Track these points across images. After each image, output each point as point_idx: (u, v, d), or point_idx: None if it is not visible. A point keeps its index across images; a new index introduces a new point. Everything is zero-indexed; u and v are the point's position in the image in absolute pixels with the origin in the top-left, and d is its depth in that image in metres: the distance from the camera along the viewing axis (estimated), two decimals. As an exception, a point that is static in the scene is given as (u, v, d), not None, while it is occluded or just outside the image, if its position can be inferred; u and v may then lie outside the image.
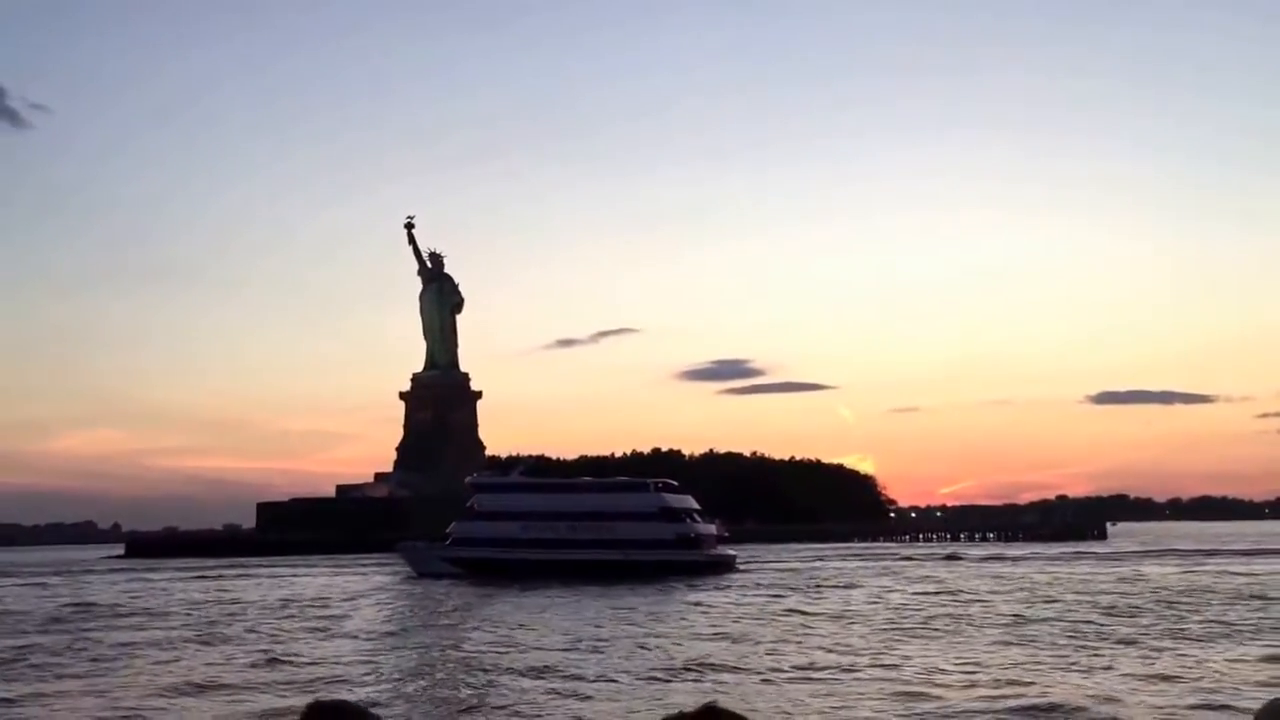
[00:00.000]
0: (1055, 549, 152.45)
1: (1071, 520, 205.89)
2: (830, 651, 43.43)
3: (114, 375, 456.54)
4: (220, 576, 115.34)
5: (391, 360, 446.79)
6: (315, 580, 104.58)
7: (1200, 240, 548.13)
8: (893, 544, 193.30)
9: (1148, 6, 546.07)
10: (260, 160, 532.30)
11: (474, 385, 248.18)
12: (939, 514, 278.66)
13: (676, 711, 4.47)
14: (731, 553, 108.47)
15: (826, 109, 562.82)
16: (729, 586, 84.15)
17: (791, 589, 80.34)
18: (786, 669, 38.89)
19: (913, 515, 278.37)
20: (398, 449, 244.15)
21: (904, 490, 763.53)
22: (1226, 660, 39.29)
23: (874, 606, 64.18)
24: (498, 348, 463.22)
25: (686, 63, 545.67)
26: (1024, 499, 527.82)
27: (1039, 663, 39.49)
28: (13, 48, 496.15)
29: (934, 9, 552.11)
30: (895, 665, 39.43)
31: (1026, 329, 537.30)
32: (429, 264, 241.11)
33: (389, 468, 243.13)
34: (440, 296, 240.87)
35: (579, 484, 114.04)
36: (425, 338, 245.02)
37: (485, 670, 40.46)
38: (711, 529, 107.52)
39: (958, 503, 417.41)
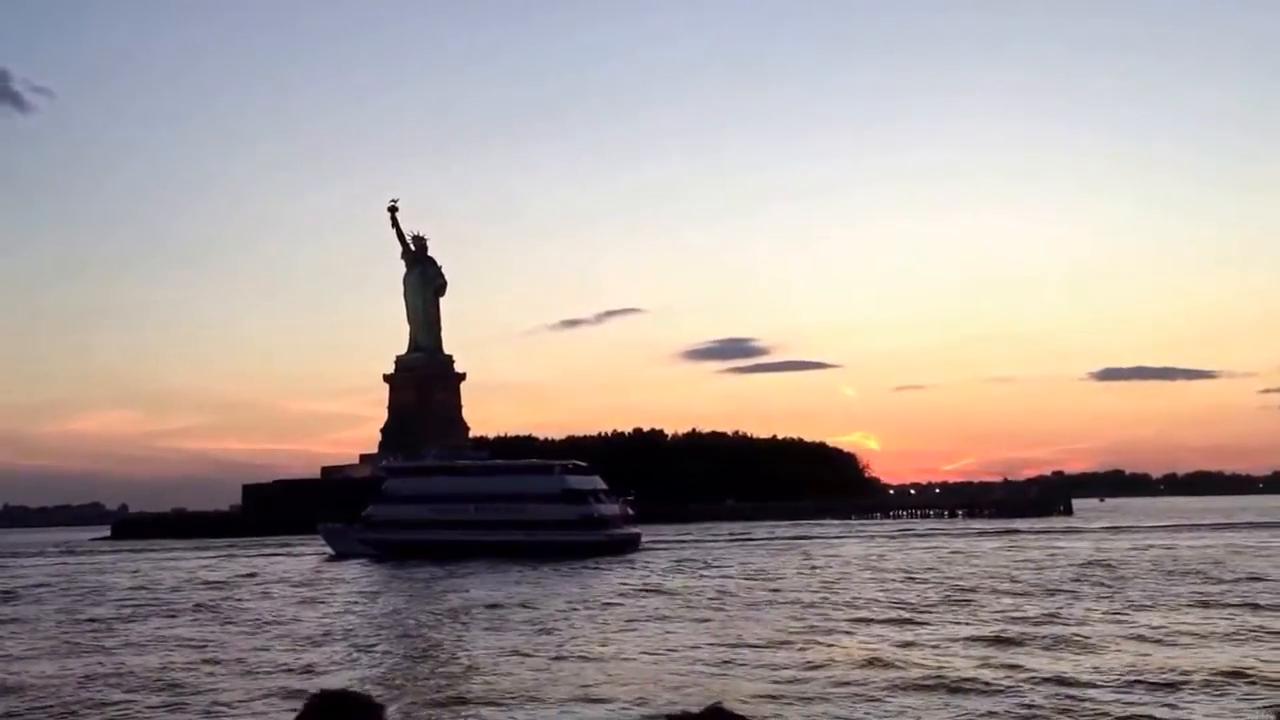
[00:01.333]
0: (1006, 524, 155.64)
1: (1036, 497, 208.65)
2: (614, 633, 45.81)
3: (121, 355, 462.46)
4: (177, 558, 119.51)
5: (398, 342, 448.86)
6: (261, 561, 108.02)
7: (1203, 215, 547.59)
8: (866, 520, 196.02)
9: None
10: (261, 141, 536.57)
11: (460, 367, 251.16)
12: (913, 491, 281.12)
13: (680, 711, 4.48)
14: (636, 532, 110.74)
15: (830, 82, 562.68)
16: (617, 567, 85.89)
17: (679, 567, 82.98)
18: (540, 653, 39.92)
19: (891, 492, 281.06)
20: (382, 431, 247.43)
21: (907, 467, 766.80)
22: (951, 638, 40.52)
23: (722, 584, 67.14)
24: (501, 328, 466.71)
25: (689, 36, 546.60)
26: (1025, 474, 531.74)
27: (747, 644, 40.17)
28: (16, 31, 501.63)
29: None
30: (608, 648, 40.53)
31: (1029, 306, 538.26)
32: (412, 247, 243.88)
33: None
34: (423, 279, 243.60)
35: (487, 466, 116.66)
36: (409, 321, 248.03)
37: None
38: (615, 509, 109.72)
39: (958, 479, 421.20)
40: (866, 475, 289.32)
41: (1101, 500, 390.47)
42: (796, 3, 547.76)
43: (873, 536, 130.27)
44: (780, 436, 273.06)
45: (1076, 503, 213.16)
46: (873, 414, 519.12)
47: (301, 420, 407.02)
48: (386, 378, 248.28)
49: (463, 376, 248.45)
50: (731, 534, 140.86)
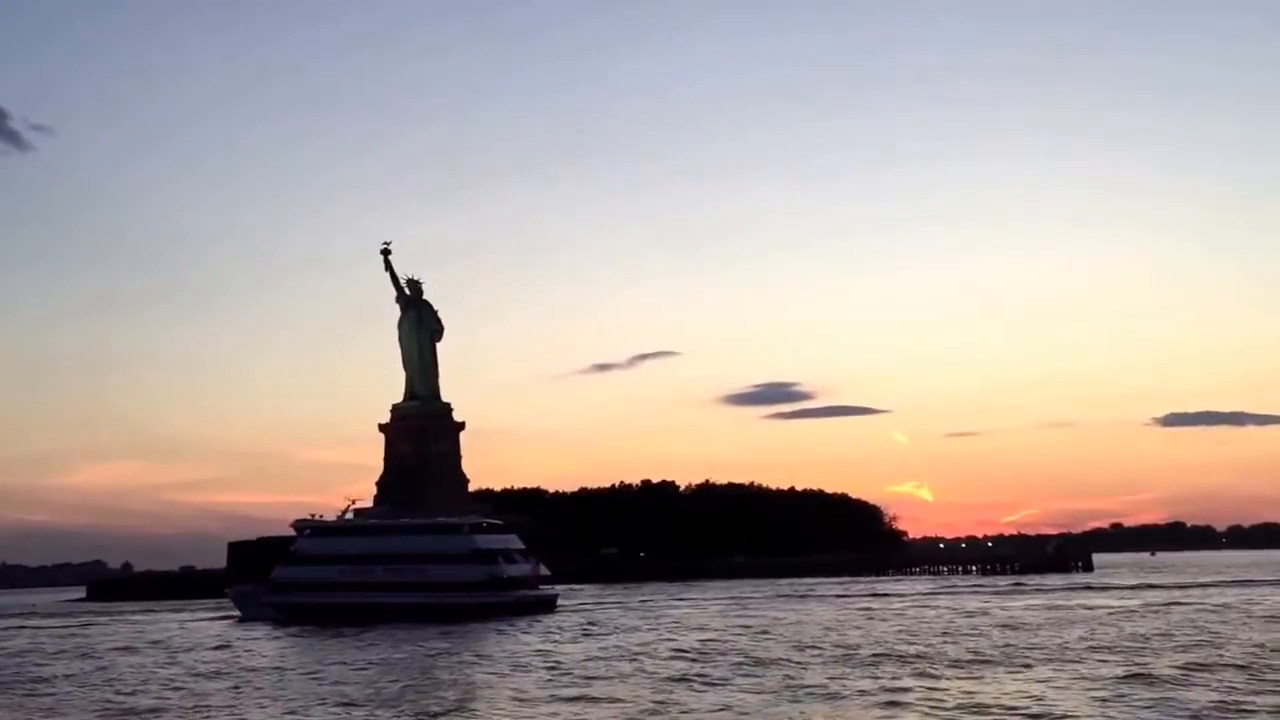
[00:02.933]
0: (1017, 582, 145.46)
1: (1054, 554, 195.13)
2: None
3: (124, 403, 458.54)
4: (123, 621, 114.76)
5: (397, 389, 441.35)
6: (198, 625, 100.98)
7: (1271, 256, 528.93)
8: (873, 578, 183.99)
9: (1208, 19, 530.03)
10: (265, 181, 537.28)
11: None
12: (942, 545, 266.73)
13: None
14: (552, 593, 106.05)
15: (877, 122, 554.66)
16: (511, 631, 79.92)
17: (580, 633, 75.53)
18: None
19: (910, 547, 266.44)
20: (377, 483, 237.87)
21: (965, 519, 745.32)
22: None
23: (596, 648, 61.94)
24: (528, 373, 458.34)
25: (727, 79, 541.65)
26: (1090, 526, 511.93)
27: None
28: (14, 71, 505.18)
29: (985, 26, 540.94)
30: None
31: (1090, 349, 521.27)
32: (407, 291, 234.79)
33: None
34: (419, 324, 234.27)
35: (395, 526, 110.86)
36: (405, 367, 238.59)
37: None
38: (526, 570, 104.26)
39: (1013, 532, 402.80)
40: (891, 528, 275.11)
41: (1152, 554, 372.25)
42: (837, 45, 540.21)
43: (850, 596, 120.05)
44: (800, 488, 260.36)
45: (1131, 557, 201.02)
46: (926, 462, 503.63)
47: (315, 470, 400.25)
48: (382, 427, 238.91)
49: (462, 425, 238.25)
50: (666, 596, 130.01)
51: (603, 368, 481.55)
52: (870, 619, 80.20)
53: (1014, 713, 36.59)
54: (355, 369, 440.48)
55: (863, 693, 42.49)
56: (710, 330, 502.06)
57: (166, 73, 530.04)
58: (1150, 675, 44.60)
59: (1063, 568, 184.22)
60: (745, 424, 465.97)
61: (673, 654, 58.38)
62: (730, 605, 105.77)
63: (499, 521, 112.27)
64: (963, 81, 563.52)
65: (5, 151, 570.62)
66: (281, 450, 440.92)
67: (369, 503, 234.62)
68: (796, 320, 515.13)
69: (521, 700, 43.11)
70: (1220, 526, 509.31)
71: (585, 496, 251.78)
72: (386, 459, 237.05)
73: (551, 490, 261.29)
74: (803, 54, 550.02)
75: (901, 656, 54.02)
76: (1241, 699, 38.43)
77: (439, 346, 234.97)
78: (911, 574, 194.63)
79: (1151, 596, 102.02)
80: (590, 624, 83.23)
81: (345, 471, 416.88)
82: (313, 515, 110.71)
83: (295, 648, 72.05)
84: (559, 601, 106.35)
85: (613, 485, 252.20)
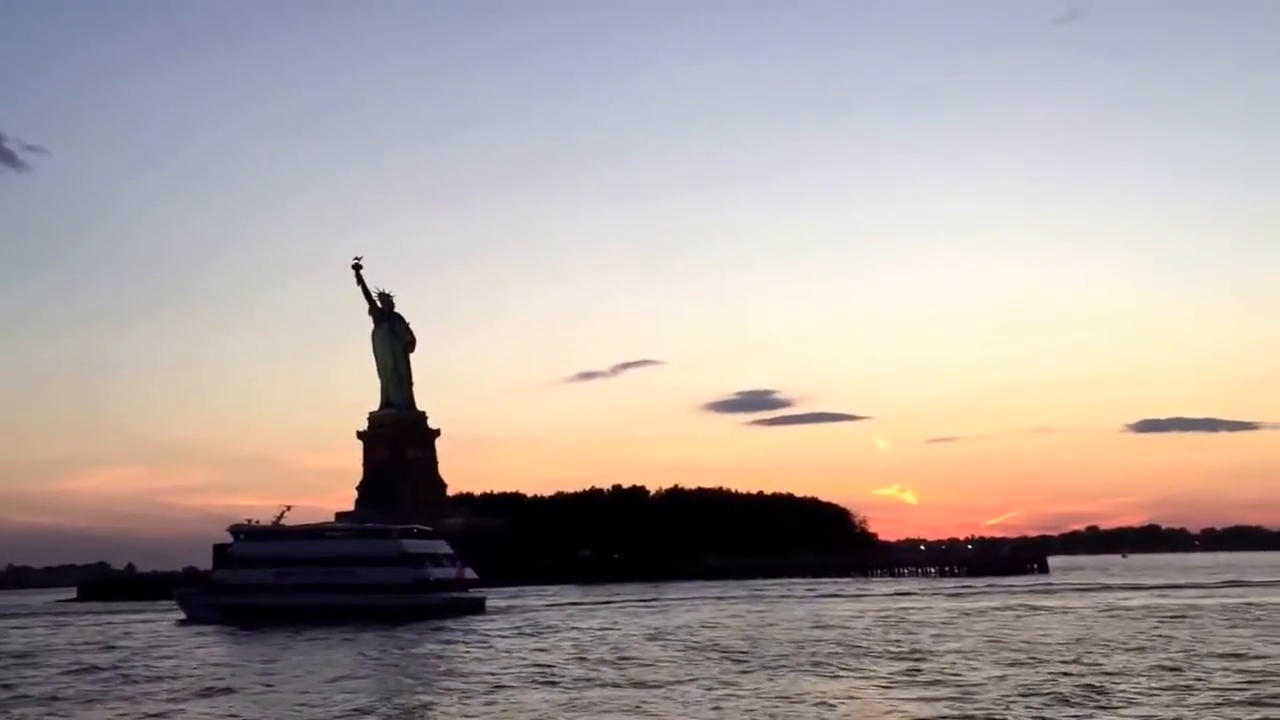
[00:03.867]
0: (965, 584, 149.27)
1: (1008, 556, 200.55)
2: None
3: (124, 410, 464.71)
4: (97, 621, 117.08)
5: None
6: (163, 626, 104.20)
7: (1244, 261, 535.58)
8: (835, 579, 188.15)
9: (1174, 38, 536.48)
10: (266, 196, 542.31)
11: (447, 422, 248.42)
12: (922, 547, 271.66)
13: None
14: (480, 596, 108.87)
15: (855, 134, 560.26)
16: (427, 631, 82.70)
17: (486, 636, 78.15)
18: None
19: (889, 547, 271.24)
20: (357, 488, 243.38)
21: (950, 521, 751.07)
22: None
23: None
24: (515, 381, 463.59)
25: (706, 89, 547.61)
26: (1070, 529, 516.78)
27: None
28: (8, 91, 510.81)
29: (971, 36, 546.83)
30: None
31: (1067, 355, 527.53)
32: (379, 304, 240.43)
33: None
34: (391, 335, 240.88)
35: (327, 530, 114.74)
36: (380, 376, 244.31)
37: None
38: (452, 573, 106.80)
39: (1000, 534, 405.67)
40: (863, 530, 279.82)
41: (1124, 557, 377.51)
42: (817, 56, 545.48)
43: (795, 597, 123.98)
44: (769, 491, 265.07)
45: (1101, 559, 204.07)
46: (908, 467, 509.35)
47: (314, 475, 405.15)
48: (360, 434, 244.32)
49: (437, 432, 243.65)
50: (589, 598, 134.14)
51: (587, 376, 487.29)
52: (771, 622, 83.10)
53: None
54: (349, 376, 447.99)
55: (661, 685, 46.30)
56: (692, 339, 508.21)
57: (158, 92, 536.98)
58: (916, 672, 48.04)
59: (1018, 569, 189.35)
60: (727, 431, 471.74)
61: (555, 656, 61.35)
62: (666, 606, 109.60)
63: (427, 528, 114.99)
64: (941, 97, 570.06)
65: (1, 171, 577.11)
66: (279, 455, 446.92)
67: (350, 507, 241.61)
68: (777, 329, 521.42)
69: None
70: (1194, 529, 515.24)
71: (563, 500, 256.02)
72: (365, 465, 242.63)
73: (531, 494, 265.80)
74: (779, 69, 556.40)
75: (737, 655, 57.64)
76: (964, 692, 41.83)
77: (412, 356, 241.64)
78: (874, 575, 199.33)
79: (1073, 599, 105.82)
80: (503, 629, 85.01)
81: (341, 476, 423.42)
82: (249, 521, 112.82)
83: (196, 643, 76.27)
84: (488, 604, 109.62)
85: (585, 490, 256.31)
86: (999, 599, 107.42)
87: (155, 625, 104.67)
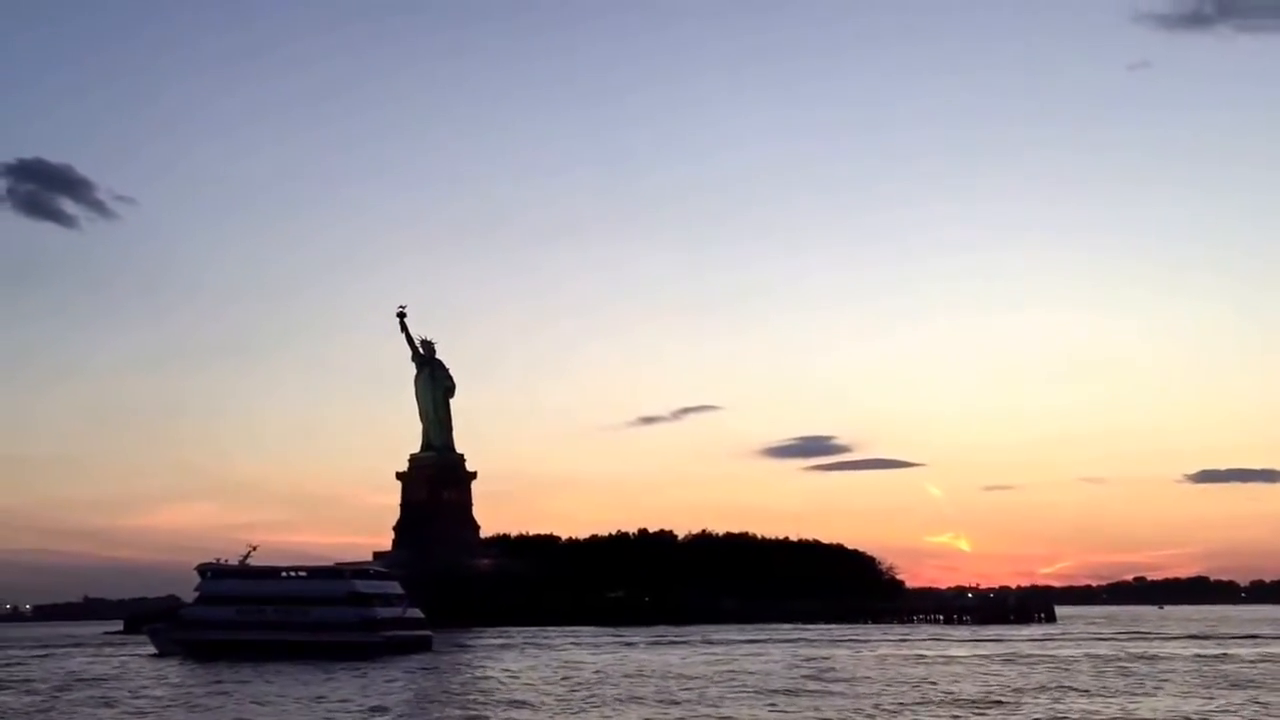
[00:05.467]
0: (975, 633, 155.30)
1: (1015, 605, 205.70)
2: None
3: (197, 448, 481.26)
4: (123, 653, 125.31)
5: (468, 436, 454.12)
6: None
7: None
8: (836, 625, 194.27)
9: (1244, 84, 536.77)
10: (338, 243, 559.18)
11: (470, 466, 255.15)
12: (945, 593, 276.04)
13: None
14: (425, 634, 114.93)
15: (917, 180, 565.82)
16: (357, 671, 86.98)
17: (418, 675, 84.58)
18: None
19: (912, 594, 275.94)
20: (394, 528, 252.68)
21: (1004, 570, 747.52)
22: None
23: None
24: (576, 425, 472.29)
25: (763, 137, 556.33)
26: (1128, 578, 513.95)
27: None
28: (100, 142, 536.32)
29: (1029, 81, 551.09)
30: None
31: (1123, 405, 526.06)
32: (421, 351, 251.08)
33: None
34: (432, 381, 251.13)
35: (283, 571, 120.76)
36: (421, 420, 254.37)
37: None
38: (398, 613, 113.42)
39: (1059, 583, 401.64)
40: (890, 577, 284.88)
41: (1160, 609, 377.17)
42: (877, 106, 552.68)
43: (777, 641, 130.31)
44: (794, 538, 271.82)
45: (1140, 609, 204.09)
46: (963, 514, 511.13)
47: (374, 513, 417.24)
48: (400, 475, 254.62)
49: (474, 475, 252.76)
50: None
51: (648, 420, 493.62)
52: (715, 666, 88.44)
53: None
54: (411, 416, 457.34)
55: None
56: (751, 385, 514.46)
57: (240, 142, 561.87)
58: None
59: (1025, 618, 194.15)
60: (784, 476, 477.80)
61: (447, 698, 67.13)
62: (632, 647, 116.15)
63: (384, 569, 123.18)
64: (999, 141, 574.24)
65: (92, 219, 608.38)
66: (341, 493, 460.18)
67: (388, 546, 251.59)
68: (835, 375, 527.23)
69: None
70: (1243, 581, 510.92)
71: (593, 544, 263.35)
72: (403, 505, 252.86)
73: (565, 537, 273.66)
74: (839, 116, 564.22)
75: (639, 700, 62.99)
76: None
77: (453, 401, 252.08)
78: (884, 622, 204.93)
79: (1049, 647, 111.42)
80: (433, 667, 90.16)
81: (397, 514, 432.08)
82: (217, 560, 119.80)
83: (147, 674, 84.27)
84: (434, 643, 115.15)
85: (613, 534, 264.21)
86: (938, 647, 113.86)
87: (129, 660, 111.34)
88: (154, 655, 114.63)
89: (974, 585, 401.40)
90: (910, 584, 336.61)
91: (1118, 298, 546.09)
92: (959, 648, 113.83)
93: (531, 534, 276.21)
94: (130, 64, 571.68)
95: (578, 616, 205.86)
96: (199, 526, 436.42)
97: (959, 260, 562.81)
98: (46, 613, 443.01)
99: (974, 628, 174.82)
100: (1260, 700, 59.09)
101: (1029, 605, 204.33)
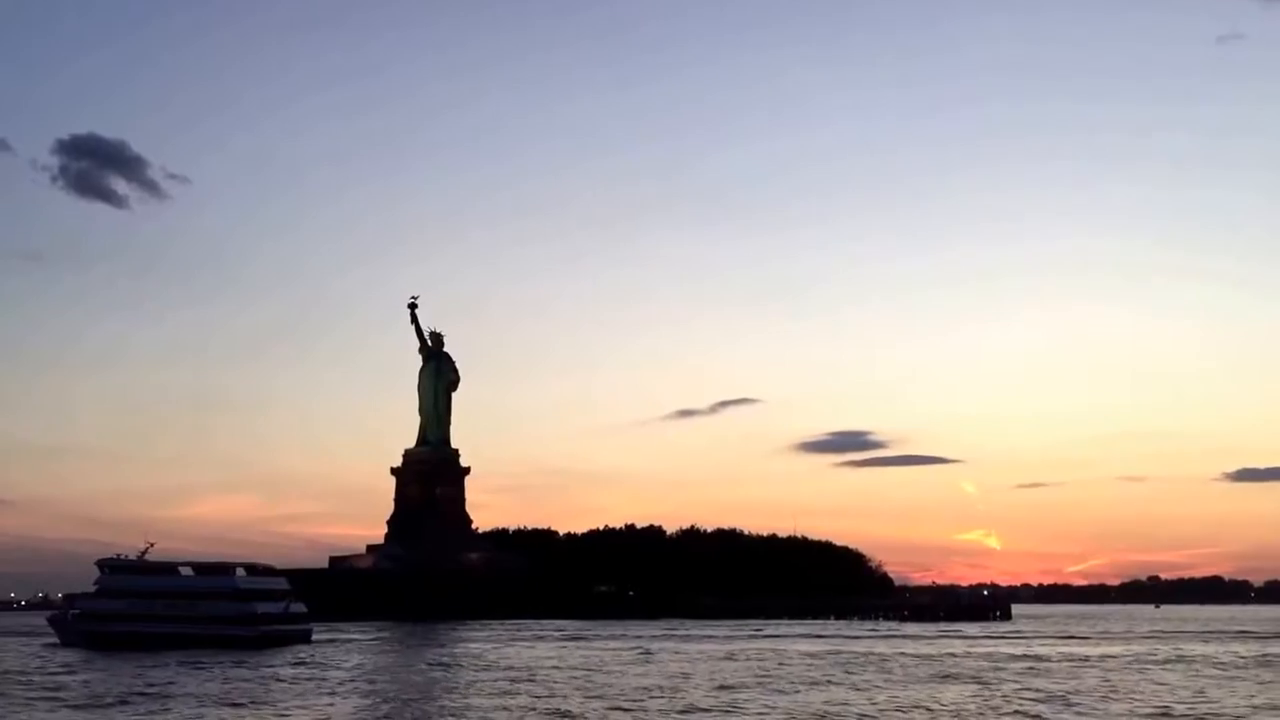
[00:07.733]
0: (922, 629, 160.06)
1: (967, 603, 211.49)
2: None
3: (239, 440, 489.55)
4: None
5: (508, 428, 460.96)
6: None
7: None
8: (818, 621, 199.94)
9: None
10: (374, 233, 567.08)
11: (464, 461, 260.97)
12: (908, 594, 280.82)
13: None
14: (305, 628, 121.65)
15: (952, 176, 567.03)
16: (238, 664, 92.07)
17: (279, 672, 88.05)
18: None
19: (906, 593, 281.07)
20: (388, 522, 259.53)
21: (1032, 568, 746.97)
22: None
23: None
24: (613, 418, 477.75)
25: (808, 130, 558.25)
26: (1136, 578, 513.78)
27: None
28: (154, 120, 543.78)
29: (1074, 82, 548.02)
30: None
31: (1159, 402, 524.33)
32: (429, 343, 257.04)
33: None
34: (436, 374, 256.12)
35: (174, 567, 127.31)
36: (419, 413, 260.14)
37: None
38: (279, 609, 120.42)
39: (1083, 582, 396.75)
40: (880, 573, 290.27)
41: (1156, 607, 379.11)
42: (927, 97, 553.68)
43: (718, 637, 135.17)
44: (781, 534, 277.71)
45: (1138, 609, 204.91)
46: (994, 512, 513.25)
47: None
48: (394, 470, 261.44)
49: (467, 470, 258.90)
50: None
51: (686, 413, 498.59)
52: (645, 662, 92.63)
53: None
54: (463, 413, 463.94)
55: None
56: (789, 379, 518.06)
57: (295, 122, 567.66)
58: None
59: (980, 616, 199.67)
60: (815, 471, 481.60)
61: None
62: (576, 641, 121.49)
63: (273, 566, 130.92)
64: (1040, 137, 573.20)
65: (143, 199, 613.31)
66: (380, 485, 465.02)
67: (381, 540, 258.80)
68: (872, 371, 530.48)
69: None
70: (1258, 581, 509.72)
71: (587, 538, 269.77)
72: (396, 500, 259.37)
73: (562, 532, 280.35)
74: (886, 109, 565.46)
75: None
76: None
77: (455, 395, 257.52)
78: (848, 618, 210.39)
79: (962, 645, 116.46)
80: (304, 661, 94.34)
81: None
82: (117, 555, 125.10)
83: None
84: (314, 636, 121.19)
85: (605, 528, 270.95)
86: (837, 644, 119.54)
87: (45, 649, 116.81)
88: (54, 645, 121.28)
89: (998, 583, 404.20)
90: (919, 581, 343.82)
91: (1157, 297, 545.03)
92: (813, 644, 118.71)
93: (529, 528, 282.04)
94: (187, 36, 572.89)
95: (564, 610, 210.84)
96: (240, 519, 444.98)
97: (1002, 257, 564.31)
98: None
99: (923, 625, 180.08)
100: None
101: (981, 604, 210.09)
